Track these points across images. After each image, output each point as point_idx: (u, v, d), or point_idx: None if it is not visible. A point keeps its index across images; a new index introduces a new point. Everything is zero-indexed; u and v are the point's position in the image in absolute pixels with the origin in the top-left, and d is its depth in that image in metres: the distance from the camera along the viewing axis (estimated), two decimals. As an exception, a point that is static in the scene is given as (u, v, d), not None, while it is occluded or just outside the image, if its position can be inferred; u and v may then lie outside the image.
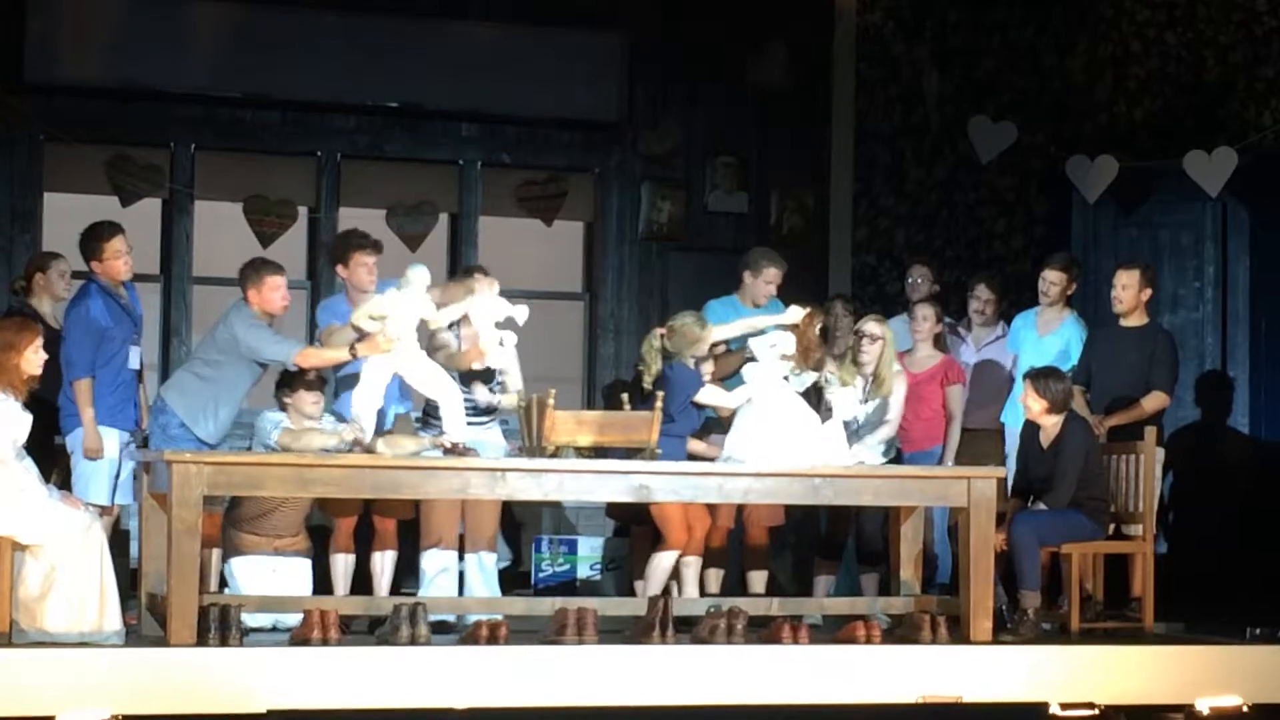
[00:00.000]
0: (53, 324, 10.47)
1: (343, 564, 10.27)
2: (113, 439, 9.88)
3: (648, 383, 10.09)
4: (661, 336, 10.14)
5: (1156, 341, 10.92)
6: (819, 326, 10.36)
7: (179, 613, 8.75)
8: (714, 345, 10.50)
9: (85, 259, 10.02)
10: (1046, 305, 11.39)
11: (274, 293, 9.98)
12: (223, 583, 10.13)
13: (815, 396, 10.33)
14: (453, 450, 9.49)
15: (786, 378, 10.07)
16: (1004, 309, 11.79)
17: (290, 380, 10.10)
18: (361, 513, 10.28)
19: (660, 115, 13.38)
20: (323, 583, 10.34)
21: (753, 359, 10.16)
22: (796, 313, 10.34)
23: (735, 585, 10.89)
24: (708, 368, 10.39)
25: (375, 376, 9.57)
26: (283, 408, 10.11)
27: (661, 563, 10.19)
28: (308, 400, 10.06)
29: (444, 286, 10.31)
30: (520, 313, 9.91)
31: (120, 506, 10.08)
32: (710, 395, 10.20)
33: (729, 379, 10.49)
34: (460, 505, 10.20)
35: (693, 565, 10.36)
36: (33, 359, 8.89)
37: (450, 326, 10.07)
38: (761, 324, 10.42)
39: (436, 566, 10.20)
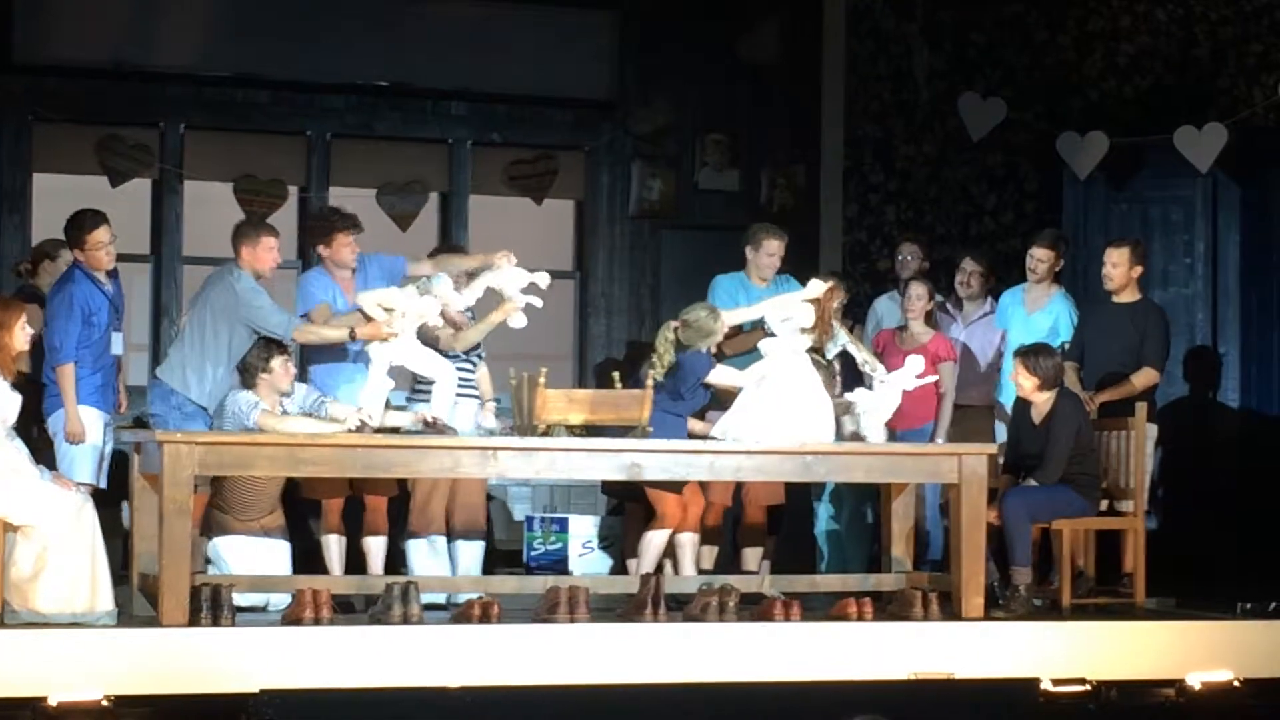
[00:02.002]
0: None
1: (335, 545, 10.28)
2: (96, 419, 9.87)
3: (659, 375, 10.06)
4: (675, 329, 10.11)
5: (1148, 318, 10.94)
6: (839, 302, 10.34)
7: (171, 593, 8.75)
8: (735, 329, 10.53)
9: (69, 245, 10.01)
10: (1034, 282, 11.39)
11: (269, 253, 10.07)
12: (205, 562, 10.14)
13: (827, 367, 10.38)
14: (432, 426, 9.52)
15: (817, 350, 10.12)
16: (992, 284, 11.79)
17: (266, 356, 10.05)
18: (347, 493, 10.30)
19: (651, 93, 13.37)
20: (307, 563, 10.36)
21: (771, 334, 10.17)
22: (818, 286, 10.32)
23: (728, 563, 10.90)
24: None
25: (381, 368, 9.64)
26: (248, 385, 10.02)
27: (654, 541, 10.19)
28: (286, 378, 10.04)
29: (437, 260, 10.40)
30: (543, 279, 10.00)
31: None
32: (723, 375, 10.17)
33: (744, 356, 10.46)
34: (450, 489, 10.23)
35: (689, 543, 10.36)
36: (20, 336, 8.89)
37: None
38: (780, 306, 10.37)
39: (427, 551, 10.22)
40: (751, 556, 10.79)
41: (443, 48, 13.00)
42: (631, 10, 13.32)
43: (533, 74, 13.12)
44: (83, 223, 9.96)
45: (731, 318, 10.40)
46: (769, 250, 10.93)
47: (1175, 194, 13.32)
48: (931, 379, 10.52)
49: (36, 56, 12.28)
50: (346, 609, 9.58)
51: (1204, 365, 13.07)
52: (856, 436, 10.23)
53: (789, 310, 10.19)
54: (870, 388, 10.31)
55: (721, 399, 10.35)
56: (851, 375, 10.74)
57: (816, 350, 10.34)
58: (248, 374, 10.01)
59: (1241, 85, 13.34)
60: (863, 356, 10.45)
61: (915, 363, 10.29)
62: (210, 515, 10.06)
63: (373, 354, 9.74)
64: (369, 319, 9.82)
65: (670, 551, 10.36)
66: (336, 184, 12.87)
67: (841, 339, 10.42)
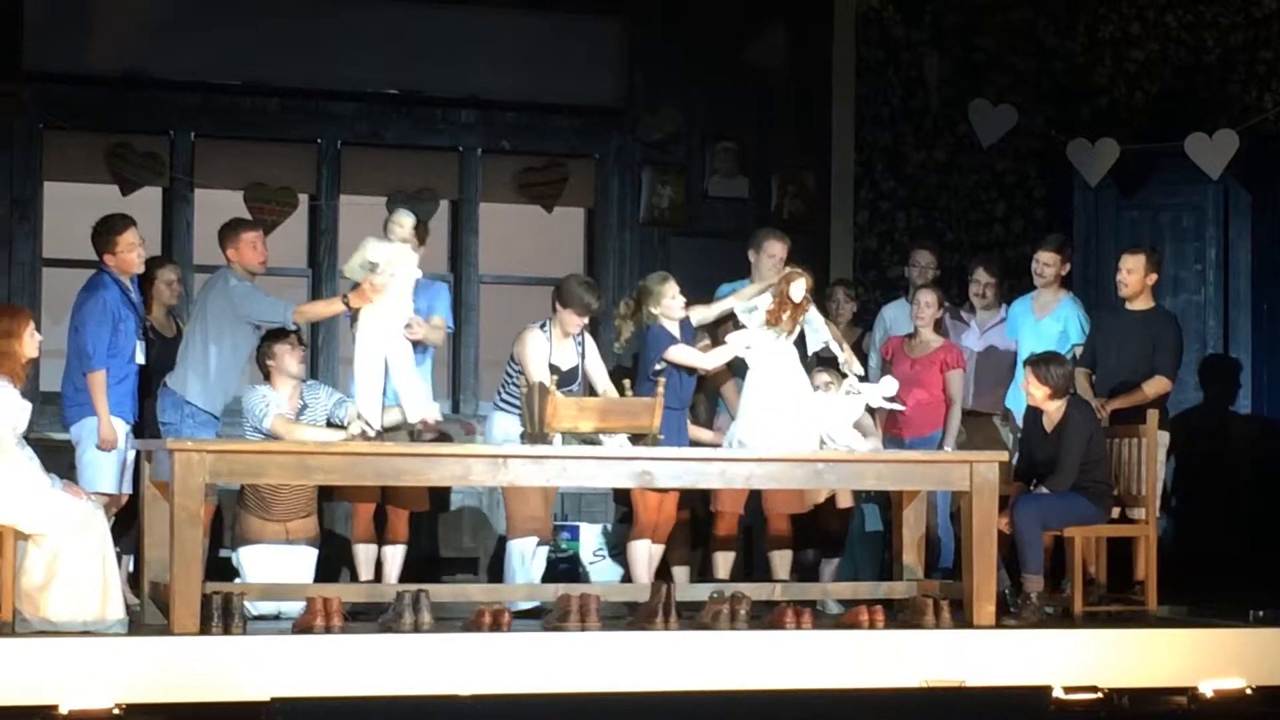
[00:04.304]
0: (165, 332, 10.52)
1: (363, 554, 10.28)
2: (120, 428, 9.89)
3: (618, 348, 10.16)
4: (633, 303, 10.23)
5: (1161, 325, 10.93)
6: (795, 285, 10.27)
7: (182, 601, 8.75)
8: (722, 323, 10.53)
9: (98, 252, 10.03)
10: (1043, 286, 11.40)
11: (251, 248, 10.16)
12: (234, 572, 10.19)
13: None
14: (429, 428, 9.52)
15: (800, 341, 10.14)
16: (1005, 291, 11.79)
17: (271, 341, 10.14)
18: (378, 499, 10.30)
19: (660, 100, 13.36)
20: (334, 571, 10.36)
21: (741, 326, 10.21)
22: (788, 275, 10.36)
23: (743, 571, 10.91)
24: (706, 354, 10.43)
25: (365, 371, 9.59)
26: (266, 375, 10.16)
27: (637, 552, 10.21)
28: (292, 360, 10.14)
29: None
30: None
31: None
32: (680, 353, 10.24)
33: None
34: (543, 493, 10.16)
35: (655, 554, 10.36)
36: (30, 343, 8.90)
37: None
38: (748, 295, 10.40)
39: (525, 553, 10.20)
40: (780, 561, 10.73)
41: (452, 55, 12.99)
42: (640, 17, 13.31)
43: (542, 81, 13.11)
44: (113, 226, 9.99)
45: (706, 312, 10.48)
46: (770, 251, 10.94)
47: (1186, 200, 13.32)
48: (899, 408, 10.46)
49: (46, 64, 12.27)
50: (365, 616, 9.55)
51: (1216, 372, 13.06)
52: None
53: (753, 301, 10.22)
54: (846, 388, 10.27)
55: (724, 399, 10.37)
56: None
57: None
58: (260, 365, 10.13)
59: (1252, 91, 13.33)
60: (844, 355, 10.41)
61: (889, 384, 10.22)
62: (238, 518, 10.13)
63: (358, 357, 9.66)
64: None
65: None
66: (347, 192, 12.86)
67: (824, 334, 10.36)
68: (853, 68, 13.70)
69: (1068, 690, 9.18)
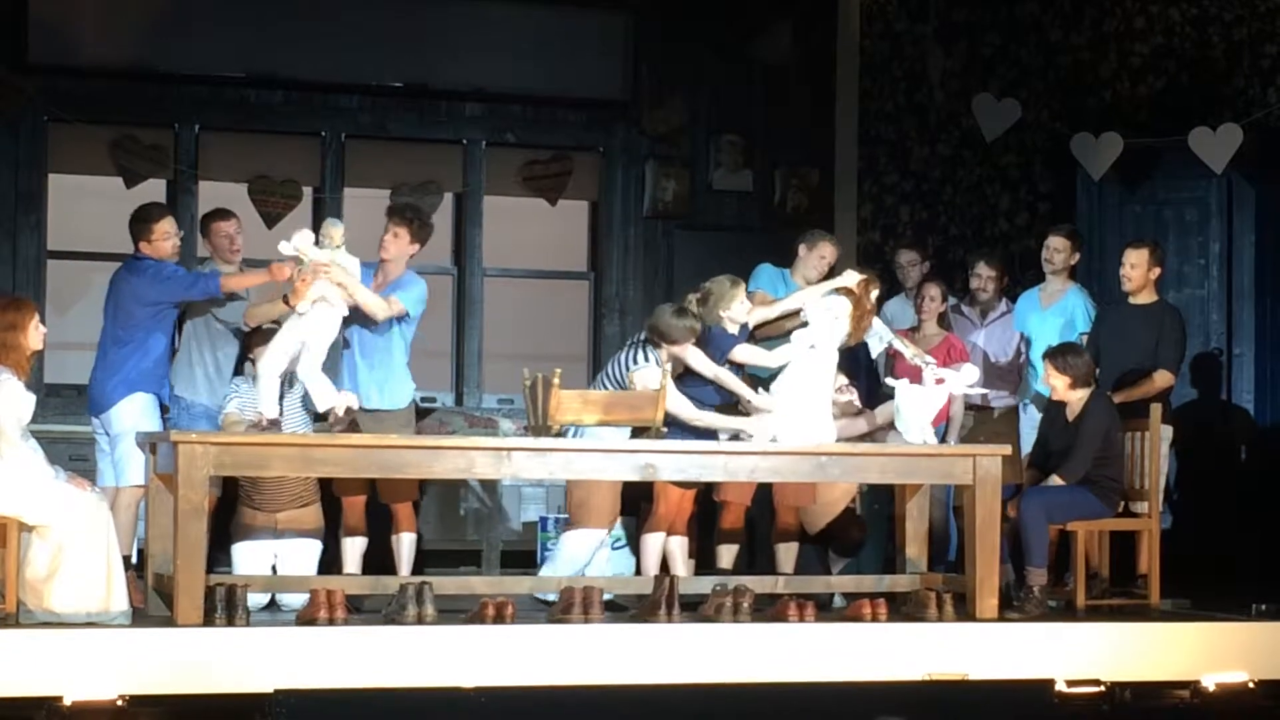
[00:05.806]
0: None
1: (350, 546, 10.27)
2: (152, 405, 9.88)
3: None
4: (696, 301, 10.14)
5: (1164, 320, 10.93)
6: (875, 293, 10.32)
7: (185, 593, 8.75)
8: (769, 324, 10.51)
9: (134, 240, 10.02)
10: (1052, 274, 11.41)
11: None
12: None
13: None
14: (336, 421, 9.54)
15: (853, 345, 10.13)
16: (1006, 286, 11.79)
17: (249, 338, 10.20)
18: (367, 492, 10.30)
19: (665, 94, 13.37)
20: (334, 566, 10.37)
21: (803, 324, 10.14)
22: (852, 277, 10.33)
23: (748, 563, 10.91)
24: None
25: (281, 344, 9.64)
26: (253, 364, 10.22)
27: (651, 545, 10.19)
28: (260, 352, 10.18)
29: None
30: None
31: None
32: (747, 353, 10.18)
33: (774, 340, 10.42)
34: (616, 487, 10.13)
35: (679, 547, 10.34)
36: (35, 335, 8.91)
37: None
38: (816, 294, 10.36)
39: (588, 545, 10.19)
40: (786, 554, 10.72)
41: (457, 48, 13.01)
42: (646, 11, 13.32)
43: (547, 74, 13.12)
44: (149, 214, 10.03)
45: (767, 313, 10.42)
46: (822, 252, 10.90)
47: (1190, 195, 13.33)
48: (984, 391, 10.45)
49: (51, 57, 12.29)
50: (369, 609, 9.57)
51: (1218, 366, 13.07)
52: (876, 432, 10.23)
53: (831, 301, 10.18)
54: (929, 377, 10.23)
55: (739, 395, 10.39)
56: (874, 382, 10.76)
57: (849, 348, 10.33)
58: (247, 357, 10.23)
59: (1256, 86, 13.33)
60: (911, 352, 10.43)
61: (971, 371, 10.22)
62: (237, 512, 10.18)
63: (271, 344, 9.71)
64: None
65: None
66: (351, 185, 12.87)
67: (887, 336, 10.39)
68: (857, 62, 13.71)
69: (1070, 684, 9.19)
